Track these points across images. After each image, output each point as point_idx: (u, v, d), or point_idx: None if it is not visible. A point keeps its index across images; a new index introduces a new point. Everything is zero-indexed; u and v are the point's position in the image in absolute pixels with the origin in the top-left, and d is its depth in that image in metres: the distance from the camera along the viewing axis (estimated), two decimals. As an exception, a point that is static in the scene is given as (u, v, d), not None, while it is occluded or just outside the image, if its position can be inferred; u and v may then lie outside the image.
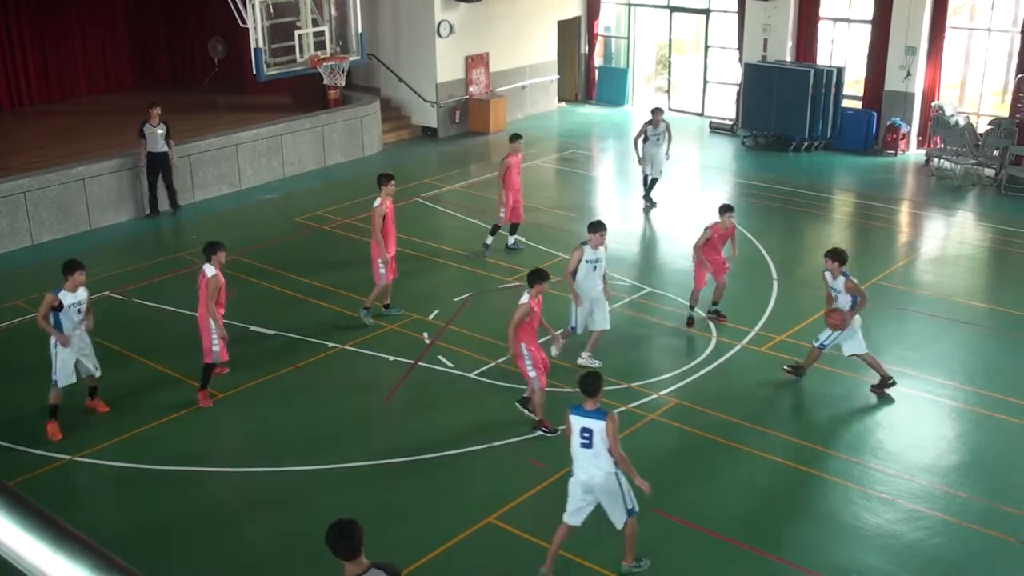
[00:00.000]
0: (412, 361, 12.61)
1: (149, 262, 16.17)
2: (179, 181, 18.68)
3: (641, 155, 18.40)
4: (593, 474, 8.16)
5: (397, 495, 9.89)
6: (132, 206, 18.35)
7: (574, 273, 12.03)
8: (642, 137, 18.32)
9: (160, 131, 17.99)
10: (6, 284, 15.16)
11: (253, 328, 13.45)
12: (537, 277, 10.83)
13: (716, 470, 10.37)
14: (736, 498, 9.85)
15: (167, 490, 10.07)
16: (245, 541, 9.24)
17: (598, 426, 8.06)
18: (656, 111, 18.56)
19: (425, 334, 13.36)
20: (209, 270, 11.18)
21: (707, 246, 13.21)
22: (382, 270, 13.47)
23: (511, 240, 16.39)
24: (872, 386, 11.79)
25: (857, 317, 11.59)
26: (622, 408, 11.35)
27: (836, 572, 8.65)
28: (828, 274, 11.67)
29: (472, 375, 12.27)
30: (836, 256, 11.63)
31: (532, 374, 10.76)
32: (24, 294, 14.33)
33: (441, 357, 12.72)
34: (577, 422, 8.16)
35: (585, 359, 12.28)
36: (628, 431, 10.95)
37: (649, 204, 18.81)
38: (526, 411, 11.12)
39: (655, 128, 18.19)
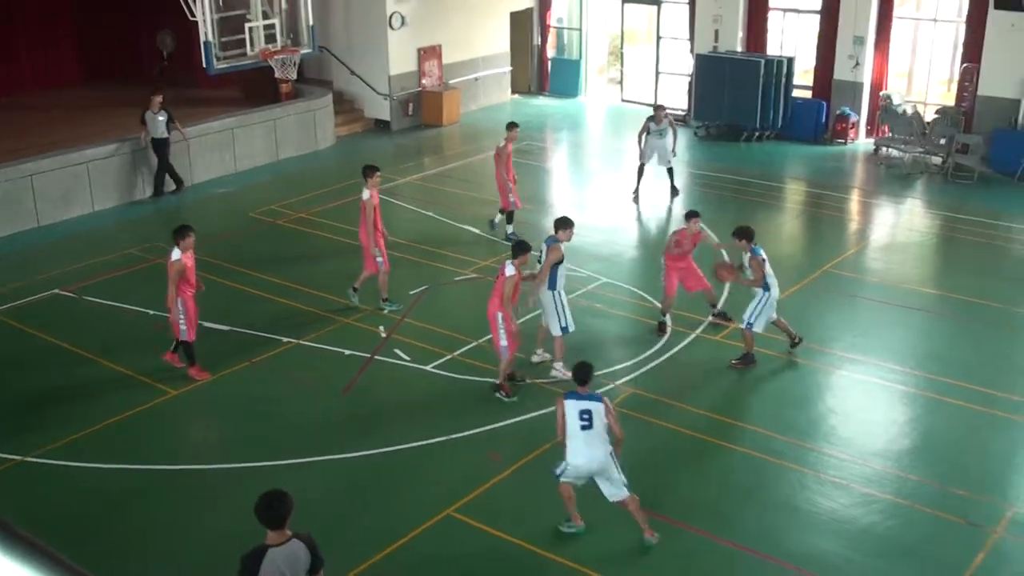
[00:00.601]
0: (368, 355, 12.57)
1: (96, 259, 15.94)
2: (123, 178, 18.48)
3: (643, 148, 18.76)
4: (594, 456, 8.46)
5: (355, 488, 9.86)
6: (79, 202, 18.09)
7: (550, 272, 11.65)
8: (645, 132, 18.67)
9: (161, 118, 18.55)
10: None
11: (207, 324, 13.30)
12: (521, 248, 11.24)
13: (671, 458, 10.44)
14: (690, 485, 9.93)
15: (119, 488, 9.95)
16: (200, 539, 9.15)
17: (597, 407, 8.45)
18: (659, 108, 19.00)
19: (381, 328, 13.32)
20: (174, 254, 11.57)
21: (674, 253, 12.99)
22: (379, 259, 13.60)
23: (497, 219, 16.64)
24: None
25: (772, 293, 11.89)
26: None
27: (791, 557, 8.75)
28: (744, 255, 12.12)
29: (429, 368, 12.25)
30: (742, 234, 12.02)
31: (504, 343, 11.17)
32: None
33: (398, 350, 12.69)
34: (574, 405, 8.48)
35: (540, 356, 12.33)
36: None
37: (674, 192, 19.10)
38: (498, 395, 11.42)
39: (657, 124, 18.55)
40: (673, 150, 18.77)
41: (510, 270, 11.12)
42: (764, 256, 11.95)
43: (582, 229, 17.11)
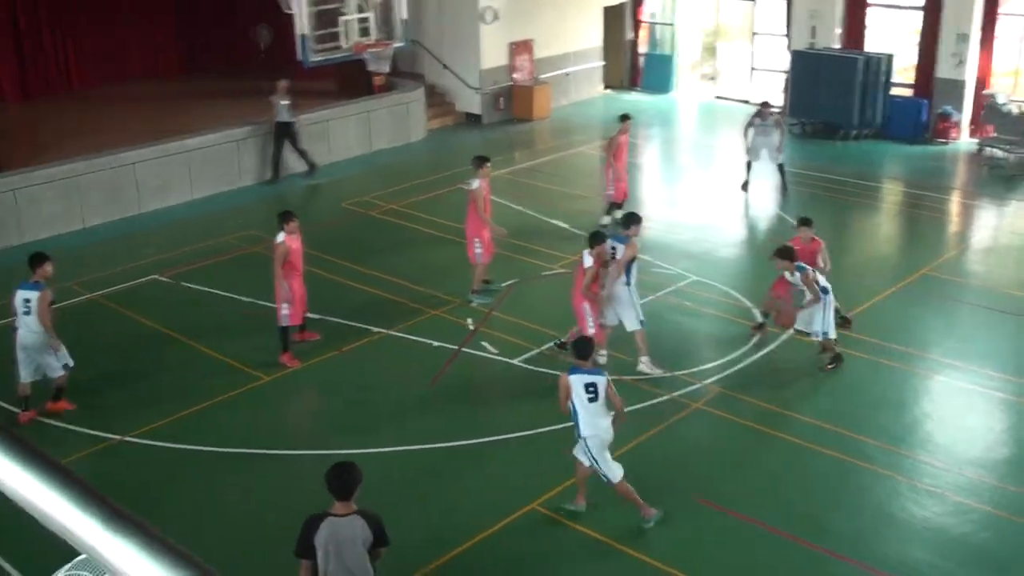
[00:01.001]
0: (456, 347, 12.63)
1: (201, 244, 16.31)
2: (222, 167, 18.90)
3: (749, 145, 18.69)
4: (600, 426, 8.74)
5: (440, 480, 9.92)
6: (176, 191, 18.53)
7: (627, 267, 11.63)
8: (750, 127, 18.61)
9: (284, 102, 19.07)
10: (59, 267, 15.35)
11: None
12: (598, 239, 11.45)
13: (761, 460, 10.29)
14: (782, 488, 9.77)
15: (213, 472, 10.18)
16: (289, 524, 9.30)
17: (601, 380, 8.76)
18: (765, 104, 18.77)
19: (469, 320, 13.38)
20: (279, 237, 11.98)
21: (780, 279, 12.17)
22: (478, 251, 13.76)
23: (607, 218, 16.57)
24: None
25: (829, 296, 11.63)
26: (665, 396, 11.31)
27: (883, 564, 8.56)
28: (786, 273, 11.78)
29: (516, 361, 12.27)
30: (783, 255, 11.71)
31: (592, 332, 11.23)
32: (75, 277, 14.51)
33: (485, 343, 12.73)
34: (580, 379, 8.70)
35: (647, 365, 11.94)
36: (671, 420, 10.93)
37: (783, 191, 18.84)
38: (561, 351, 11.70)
39: (763, 120, 18.40)
40: (779, 148, 18.44)
41: (588, 260, 11.31)
42: (808, 267, 11.63)
43: (673, 226, 17.05)
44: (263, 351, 12.55)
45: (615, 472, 8.83)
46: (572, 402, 8.68)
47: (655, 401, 11.24)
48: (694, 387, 11.56)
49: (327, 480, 6.37)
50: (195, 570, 1.37)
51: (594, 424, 8.70)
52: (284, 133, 19.43)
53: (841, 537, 8.98)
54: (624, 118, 16.65)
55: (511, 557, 8.82)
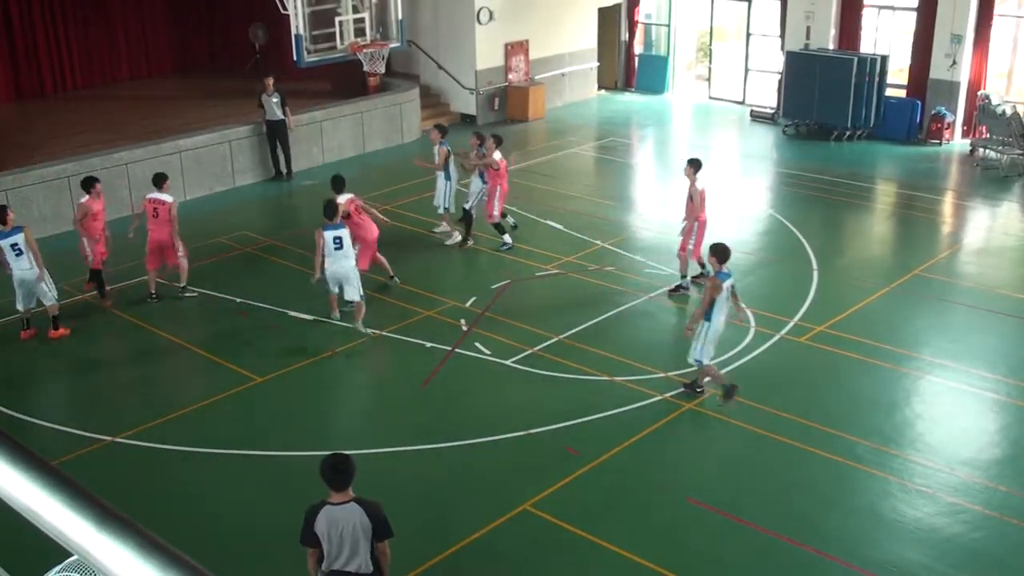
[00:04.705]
0: (449, 348, 12.64)
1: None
2: (215, 167, 18.89)
3: None
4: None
5: (433, 480, 9.93)
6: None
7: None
8: None
9: (275, 100, 19.19)
10: (51, 269, 15.32)
11: (292, 313, 13.55)
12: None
13: (753, 461, 10.30)
14: (773, 489, 9.79)
15: (204, 473, 10.18)
16: (282, 526, 9.30)
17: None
18: None
19: (462, 321, 13.39)
20: (342, 198, 13.53)
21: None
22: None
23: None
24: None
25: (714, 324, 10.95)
26: (658, 397, 11.33)
27: (874, 565, 8.58)
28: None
29: (509, 362, 12.28)
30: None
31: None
32: (67, 278, 14.49)
33: (478, 344, 12.74)
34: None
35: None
36: (663, 421, 10.95)
37: None
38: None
39: None
40: None
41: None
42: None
43: (667, 226, 17.05)
44: (255, 352, 12.54)
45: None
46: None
47: (648, 402, 11.26)
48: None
49: (322, 472, 6.49)
50: (188, 571, 1.38)
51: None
52: (277, 131, 19.50)
53: (833, 538, 9.00)
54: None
55: (503, 558, 8.83)
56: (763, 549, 8.86)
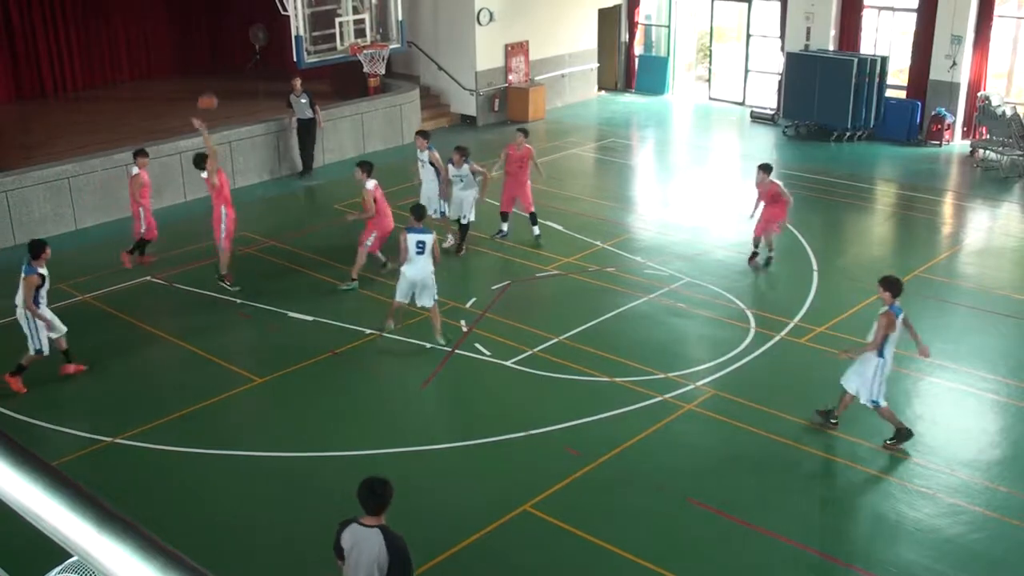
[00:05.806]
0: (449, 349, 12.64)
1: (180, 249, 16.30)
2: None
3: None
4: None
5: (433, 482, 9.92)
6: (169, 193, 18.50)
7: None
8: None
9: (303, 100, 19.53)
10: (51, 269, 15.33)
11: (291, 314, 13.55)
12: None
13: (753, 461, 10.30)
14: (774, 490, 9.79)
15: (205, 474, 10.18)
16: (281, 527, 9.31)
17: (428, 238, 12.03)
18: None
19: (462, 322, 13.38)
20: (368, 184, 14.27)
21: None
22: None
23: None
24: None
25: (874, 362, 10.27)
26: (659, 398, 11.32)
27: (874, 565, 8.58)
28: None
29: (508, 363, 12.27)
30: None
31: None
32: (68, 279, 14.49)
33: (478, 345, 12.73)
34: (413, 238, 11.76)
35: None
36: (664, 421, 10.94)
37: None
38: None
39: None
40: None
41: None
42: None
43: (667, 227, 17.06)
44: (256, 353, 12.54)
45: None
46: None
47: (648, 403, 11.26)
48: (687, 388, 11.57)
49: (359, 492, 6.36)
50: (188, 572, 1.38)
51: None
52: (307, 130, 19.84)
53: (833, 538, 9.00)
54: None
55: (503, 559, 8.82)
56: (764, 550, 8.85)
